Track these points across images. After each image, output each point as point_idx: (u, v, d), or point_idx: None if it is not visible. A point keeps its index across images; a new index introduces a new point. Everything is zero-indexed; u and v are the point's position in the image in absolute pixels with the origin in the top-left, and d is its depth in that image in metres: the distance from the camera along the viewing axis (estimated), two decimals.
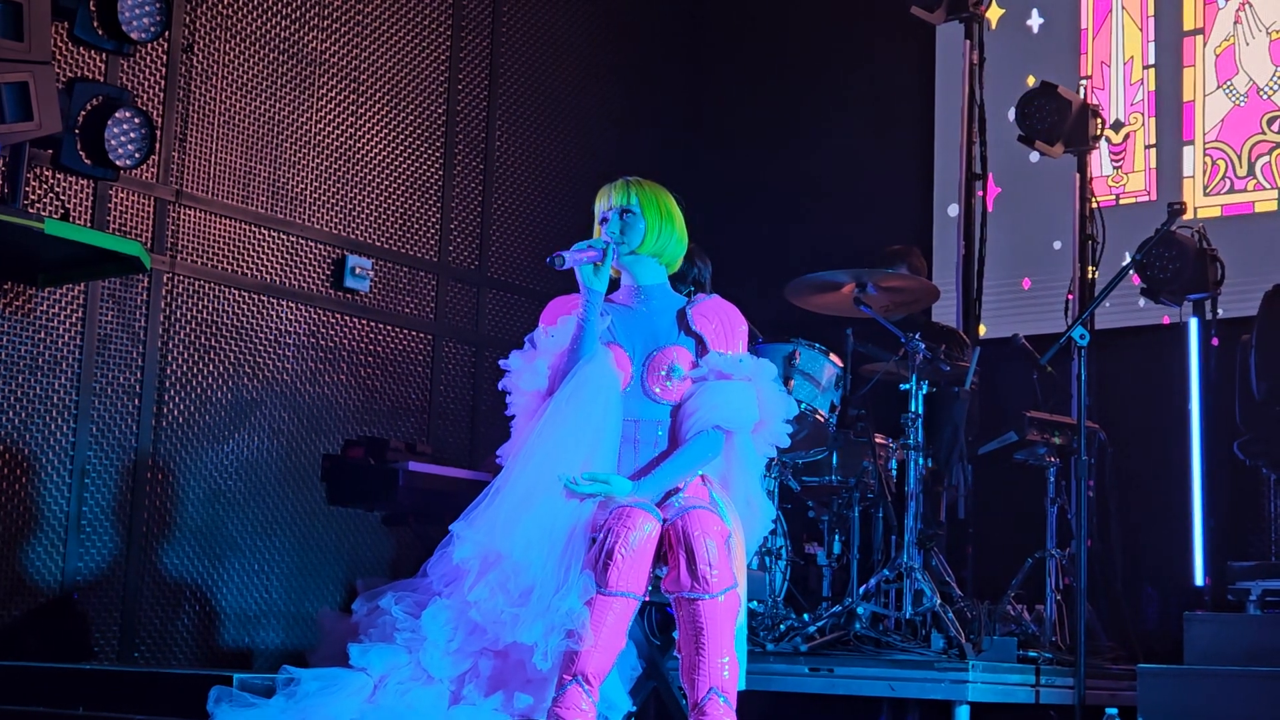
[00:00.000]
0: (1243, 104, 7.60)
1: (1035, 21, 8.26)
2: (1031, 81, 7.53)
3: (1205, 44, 7.76)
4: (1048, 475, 6.30)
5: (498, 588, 3.98)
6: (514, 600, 3.97)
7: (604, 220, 4.44)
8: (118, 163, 6.06)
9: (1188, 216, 6.83)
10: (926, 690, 5.43)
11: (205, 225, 6.63)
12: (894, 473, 6.31)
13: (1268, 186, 7.48)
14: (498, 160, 8.00)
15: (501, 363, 4.42)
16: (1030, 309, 7.89)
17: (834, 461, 6.24)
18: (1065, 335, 5.58)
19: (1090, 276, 7.22)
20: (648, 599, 4.16)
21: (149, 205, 6.43)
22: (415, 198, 7.56)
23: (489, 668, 4.11)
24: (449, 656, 4.08)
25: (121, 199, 6.33)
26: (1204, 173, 7.66)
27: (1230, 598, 5.64)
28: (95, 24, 6.09)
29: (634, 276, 4.49)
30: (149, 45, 6.34)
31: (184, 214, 6.54)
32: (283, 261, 6.93)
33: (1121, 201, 7.85)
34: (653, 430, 4.33)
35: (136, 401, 6.32)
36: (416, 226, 7.56)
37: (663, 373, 4.34)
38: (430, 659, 4.08)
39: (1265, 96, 7.55)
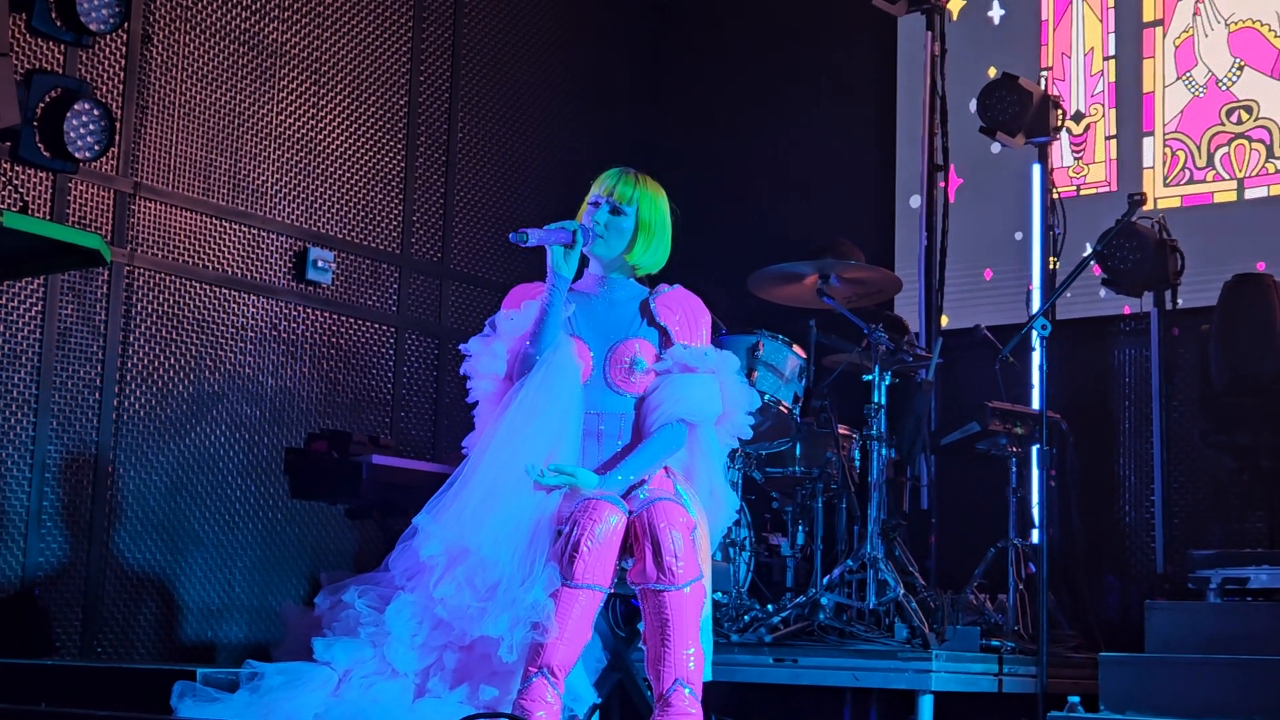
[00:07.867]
0: (1202, 95, 7.64)
1: (996, 13, 8.28)
2: (993, 73, 7.56)
3: (1165, 35, 7.79)
4: (1009, 465, 6.32)
5: (464, 583, 3.97)
6: (480, 595, 3.95)
7: (595, 204, 4.38)
8: (77, 155, 6.02)
9: (1148, 207, 6.87)
10: (890, 680, 5.46)
11: (165, 218, 6.59)
12: (857, 463, 6.33)
13: (1226, 177, 7.52)
14: (460, 152, 7.98)
15: (461, 347, 4.39)
16: (992, 300, 7.91)
17: (797, 452, 6.25)
18: (1027, 326, 5.61)
19: (1051, 267, 7.26)
20: (613, 591, 4.15)
21: (109, 198, 6.38)
22: (377, 190, 7.54)
23: (454, 661, 4.10)
24: (414, 651, 4.07)
25: (81, 191, 6.29)
26: (1164, 164, 7.70)
27: (1191, 586, 5.66)
28: (53, 15, 6.04)
29: (602, 265, 4.46)
30: (108, 37, 6.30)
31: (144, 207, 6.50)
32: (244, 254, 6.90)
33: (1082, 192, 7.87)
34: (616, 423, 4.32)
35: (97, 395, 6.28)
36: (379, 219, 7.53)
37: (625, 366, 4.33)
38: (395, 653, 4.06)
39: (1224, 88, 7.59)
